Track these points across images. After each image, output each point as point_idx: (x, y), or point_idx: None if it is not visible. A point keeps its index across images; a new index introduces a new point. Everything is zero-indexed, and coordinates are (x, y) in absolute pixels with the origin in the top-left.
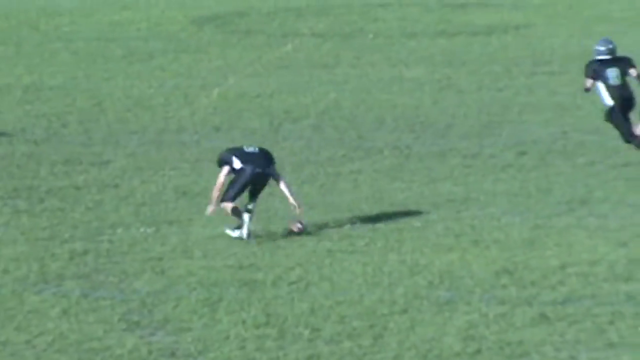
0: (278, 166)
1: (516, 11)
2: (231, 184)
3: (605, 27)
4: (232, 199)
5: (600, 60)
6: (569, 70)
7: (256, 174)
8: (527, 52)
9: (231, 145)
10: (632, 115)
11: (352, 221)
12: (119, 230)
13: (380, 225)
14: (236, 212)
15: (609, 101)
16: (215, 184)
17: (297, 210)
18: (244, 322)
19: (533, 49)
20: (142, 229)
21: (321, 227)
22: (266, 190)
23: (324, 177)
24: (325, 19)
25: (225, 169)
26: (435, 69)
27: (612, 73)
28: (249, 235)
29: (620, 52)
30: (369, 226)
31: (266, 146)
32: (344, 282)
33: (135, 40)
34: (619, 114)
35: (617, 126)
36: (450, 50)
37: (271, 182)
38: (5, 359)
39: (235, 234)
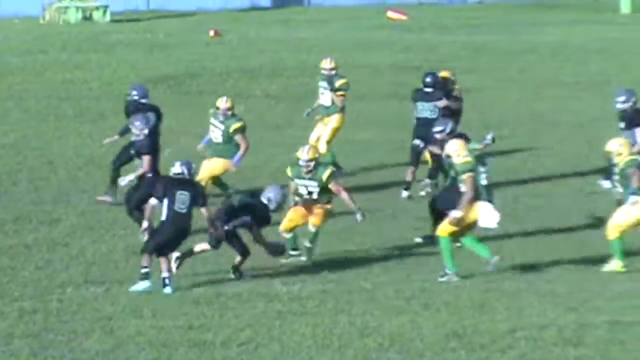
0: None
1: (467, 75)
2: None
3: (555, 91)
4: None
5: None
6: (519, 135)
7: None
8: (477, 115)
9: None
10: None
11: (303, 282)
12: (69, 290)
13: (330, 287)
14: None
15: None
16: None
17: None
18: None
19: (484, 113)
20: (92, 289)
21: (271, 288)
22: (216, 252)
23: (275, 237)
24: (278, 81)
25: None
26: (387, 131)
27: None
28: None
29: (570, 118)
30: (320, 287)
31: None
32: (294, 344)
33: (87, 100)
34: None
35: None
36: (402, 112)
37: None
38: None
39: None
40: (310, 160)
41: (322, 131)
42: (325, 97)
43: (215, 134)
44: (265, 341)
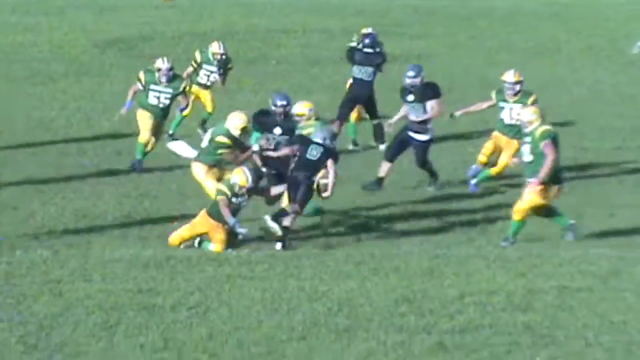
0: (180, 190)
1: (418, 40)
2: None
3: (506, 57)
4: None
5: None
6: (469, 99)
7: None
8: (429, 80)
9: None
10: None
11: (252, 247)
12: (18, 253)
13: (279, 251)
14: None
15: None
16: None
17: None
18: (142, 346)
19: (435, 78)
20: (40, 252)
21: (220, 252)
22: (166, 215)
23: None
24: (229, 45)
25: None
26: (339, 96)
27: None
28: None
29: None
30: (269, 252)
31: (168, 170)
32: (243, 308)
33: (38, 62)
34: None
35: None
36: None
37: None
38: None
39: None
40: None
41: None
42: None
43: (161, 99)
44: (215, 305)
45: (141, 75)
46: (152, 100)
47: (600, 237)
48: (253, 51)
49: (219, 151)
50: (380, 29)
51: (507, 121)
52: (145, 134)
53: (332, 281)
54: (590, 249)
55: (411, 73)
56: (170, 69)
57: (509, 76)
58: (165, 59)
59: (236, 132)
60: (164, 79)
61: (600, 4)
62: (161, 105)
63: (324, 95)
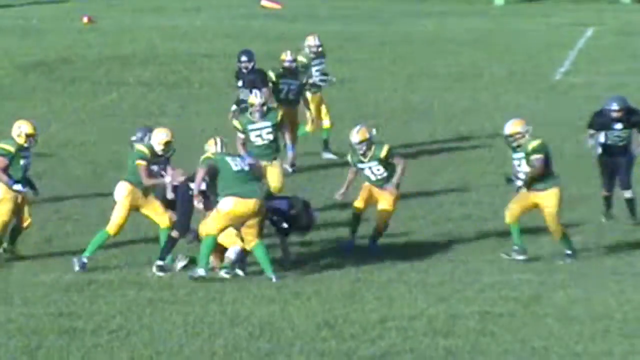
0: (102, 214)
1: (341, 64)
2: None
3: (429, 82)
4: None
5: None
6: (392, 124)
7: None
8: (351, 104)
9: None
10: None
11: (173, 271)
12: None
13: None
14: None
15: None
16: None
17: None
18: None
19: (358, 102)
20: None
21: (142, 276)
22: (87, 239)
23: (147, 224)
24: (151, 68)
25: None
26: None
27: None
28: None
29: (442, 109)
30: (190, 275)
31: (90, 194)
32: (165, 332)
33: None
34: None
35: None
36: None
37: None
38: None
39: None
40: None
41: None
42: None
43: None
44: (136, 329)
45: (235, 123)
46: (255, 140)
47: (522, 263)
48: (175, 75)
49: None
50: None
51: (372, 178)
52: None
53: (254, 305)
54: (512, 274)
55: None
56: (263, 103)
57: (353, 137)
58: (258, 93)
59: (159, 147)
60: (257, 115)
61: (522, 30)
62: (266, 142)
63: None
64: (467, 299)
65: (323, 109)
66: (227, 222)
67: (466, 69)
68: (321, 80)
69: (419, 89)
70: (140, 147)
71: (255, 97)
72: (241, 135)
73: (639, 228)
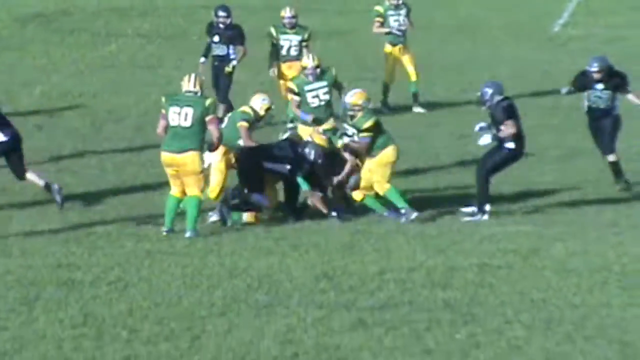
0: (101, 165)
1: (340, 16)
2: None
3: (427, 34)
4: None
5: None
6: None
7: None
8: (351, 57)
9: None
10: None
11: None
12: None
13: (200, 226)
14: None
15: None
16: None
17: None
18: (61, 321)
19: (357, 55)
20: None
21: (141, 227)
22: (86, 190)
23: (145, 177)
24: (150, 20)
25: None
26: (259, 72)
27: None
28: None
29: (440, 61)
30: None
31: (88, 146)
32: (163, 284)
33: None
34: None
35: None
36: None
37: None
38: None
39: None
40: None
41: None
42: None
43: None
44: (134, 280)
45: (291, 85)
46: (312, 102)
47: (520, 215)
48: (174, 27)
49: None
50: (301, 5)
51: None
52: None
53: (252, 257)
54: (510, 227)
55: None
56: (317, 66)
57: (348, 97)
58: (311, 55)
59: (262, 112)
60: (312, 78)
61: None
62: (323, 104)
63: (244, 71)
64: (466, 251)
65: (406, 60)
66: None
67: (465, 21)
68: (398, 30)
69: (417, 41)
70: (245, 108)
71: (307, 59)
72: (296, 98)
73: (637, 179)
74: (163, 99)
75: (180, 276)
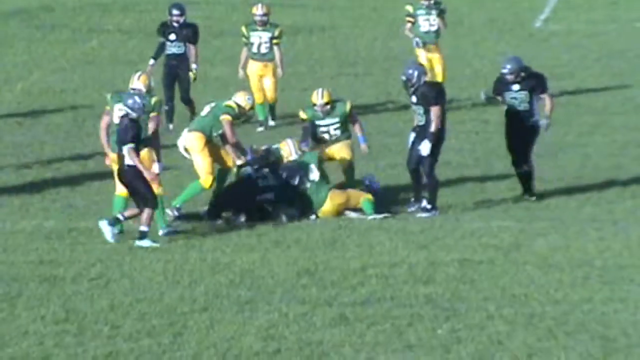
0: (83, 162)
1: (321, 12)
2: None
3: None
4: None
5: None
6: (372, 73)
7: None
8: (332, 53)
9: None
10: None
11: (153, 219)
12: None
13: (181, 223)
14: None
15: None
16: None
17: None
18: (43, 317)
19: (338, 51)
20: None
21: (122, 224)
22: (68, 187)
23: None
24: (131, 15)
25: None
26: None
27: None
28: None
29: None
30: (171, 223)
31: (70, 142)
32: (145, 280)
33: None
34: None
35: None
36: None
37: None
38: None
39: None
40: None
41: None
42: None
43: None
44: (116, 276)
45: (302, 115)
46: (323, 137)
47: (501, 211)
48: (155, 22)
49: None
50: (283, 1)
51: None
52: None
53: (234, 253)
54: (492, 222)
55: None
56: (327, 103)
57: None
58: (320, 91)
59: (245, 109)
60: (321, 115)
61: None
62: (333, 137)
63: (226, 67)
64: (447, 247)
65: (435, 60)
66: None
67: (447, 17)
68: (426, 33)
69: (398, 37)
70: (230, 102)
71: (316, 96)
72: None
73: (619, 175)
74: (108, 96)
75: (162, 272)
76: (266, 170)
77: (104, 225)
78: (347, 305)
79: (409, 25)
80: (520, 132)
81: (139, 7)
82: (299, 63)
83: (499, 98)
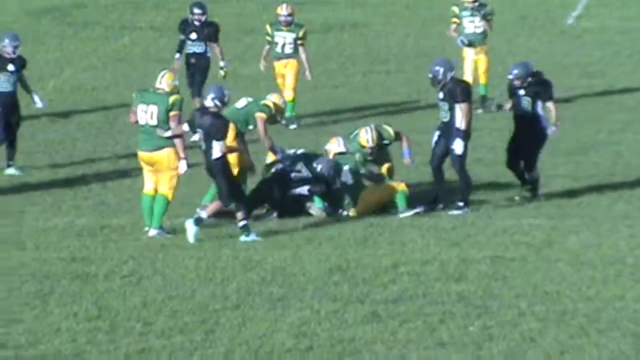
0: (114, 159)
1: (353, 9)
2: None
3: (441, 27)
4: None
5: None
6: (404, 70)
7: None
8: (363, 50)
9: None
10: None
11: (186, 214)
12: None
13: (214, 220)
14: None
15: None
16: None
17: None
18: (75, 314)
19: (370, 48)
20: None
21: None
22: (100, 184)
23: None
24: (163, 13)
25: None
26: (272, 66)
27: None
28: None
29: (454, 53)
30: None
31: (101, 139)
32: (177, 277)
33: None
34: None
35: None
36: None
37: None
38: None
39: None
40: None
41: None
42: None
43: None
44: (149, 273)
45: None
46: None
47: (533, 208)
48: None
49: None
50: None
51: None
52: None
53: (266, 250)
54: (524, 219)
55: None
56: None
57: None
58: (369, 133)
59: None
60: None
61: None
62: None
63: (257, 64)
64: (479, 244)
65: (480, 61)
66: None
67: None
68: (471, 34)
69: (431, 34)
70: (267, 102)
71: (365, 138)
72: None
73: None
74: (134, 95)
75: (194, 269)
76: (300, 163)
77: (189, 225)
78: (379, 302)
79: (454, 26)
80: (526, 138)
81: (170, 5)
82: (330, 60)
83: (508, 105)
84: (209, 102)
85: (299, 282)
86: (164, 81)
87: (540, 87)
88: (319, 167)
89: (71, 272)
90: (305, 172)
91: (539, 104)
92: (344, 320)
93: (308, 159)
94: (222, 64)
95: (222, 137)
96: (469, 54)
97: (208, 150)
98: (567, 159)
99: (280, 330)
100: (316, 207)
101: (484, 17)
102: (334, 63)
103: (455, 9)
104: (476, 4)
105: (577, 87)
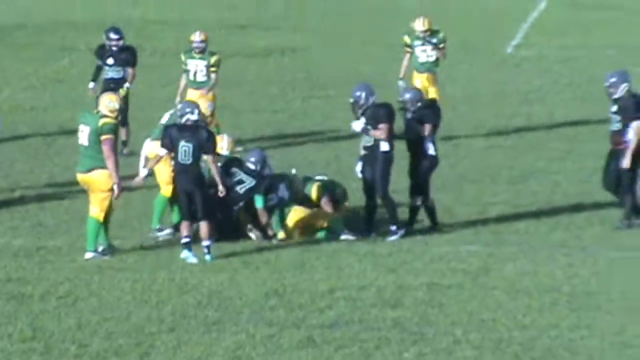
0: (52, 180)
1: (294, 34)
2: None
3: (381, 52)
4: None
5: None
6: (344, 95)
7: None
8: (303, 75)
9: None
10: None
11: (123, 237)
12: None
13: (150, 242)
14: None
15: None
16: None
17: None
18: (10, 335)
19: (310, 72)
20: None
21: None
22: (37, 205)
23: None
24: (102, 35)
25: None
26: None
27: None
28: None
29: (394, 79)
30: (139, 243)
31: (39, 160)
32: (113, 299)
33: None
34: None
35: None
36: (227, 71)
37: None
38: None
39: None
40: None
41: None
42: None
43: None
44: (84, 295)
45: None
46: None
47: (471, 235)
48: (127, 42)
49: None
50: (255, 23)
51: None
52: None
53: (203, 273)
54: (461, 246)
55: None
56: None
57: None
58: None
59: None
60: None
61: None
62: None
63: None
64: (416, 270)
65: (431, 93)
66: None
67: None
68: (423, 64)
69: (371, 59)
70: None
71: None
72: None
73: (589, 202)
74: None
75: (129, 291)
76: (233, 168)
77: (185, 255)
78: (315, 327)
79: (407, 55)
80: (416, 163)
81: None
82: (270, 84)
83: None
84: (193, 117)
85: (235, 305)
86: (100, 103)
87: (427, 110)
88: (251, 159)
89: (6, 292)
90: (239, 175)
91: (424, 128)
92: (279, 345)
93: (241, 163)
94: (126, 85)
95: (214, 150)
96: (417, 82)
97: (195, 164)
98: (506, 186)
99: (215, 354)
100: (255, 232)
101: (436, 46)
102: (274, 87)
103: (407, 39)
104: (427, 33)
105: (517, 115)
